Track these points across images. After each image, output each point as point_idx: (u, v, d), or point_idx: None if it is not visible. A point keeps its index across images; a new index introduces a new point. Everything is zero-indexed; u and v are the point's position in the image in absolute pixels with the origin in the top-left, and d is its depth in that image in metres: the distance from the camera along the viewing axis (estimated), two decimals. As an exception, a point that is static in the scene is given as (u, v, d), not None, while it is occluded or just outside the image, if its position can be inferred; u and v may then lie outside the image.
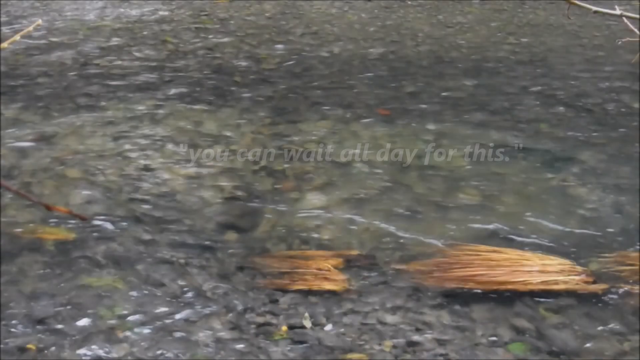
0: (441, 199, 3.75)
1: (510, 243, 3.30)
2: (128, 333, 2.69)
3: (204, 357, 2.58)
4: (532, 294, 2.94)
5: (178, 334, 2.69)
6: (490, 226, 3.47)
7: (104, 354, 2.58)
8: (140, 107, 5.02)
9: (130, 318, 2.78)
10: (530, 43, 6.84)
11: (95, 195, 3.74)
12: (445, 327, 2.77)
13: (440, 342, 2.68)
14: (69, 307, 2.83)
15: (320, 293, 2.95)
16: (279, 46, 6.70)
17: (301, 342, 2.67)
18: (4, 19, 7.53)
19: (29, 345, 2.62)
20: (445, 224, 3.51)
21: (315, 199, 3.75)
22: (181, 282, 3.01)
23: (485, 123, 4.79)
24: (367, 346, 2.66)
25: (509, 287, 2.97)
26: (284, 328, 2.74)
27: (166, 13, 7.97)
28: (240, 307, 2.86)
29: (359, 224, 3.49)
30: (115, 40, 6.76)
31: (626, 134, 4.60)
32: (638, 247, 3.26)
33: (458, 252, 3.21)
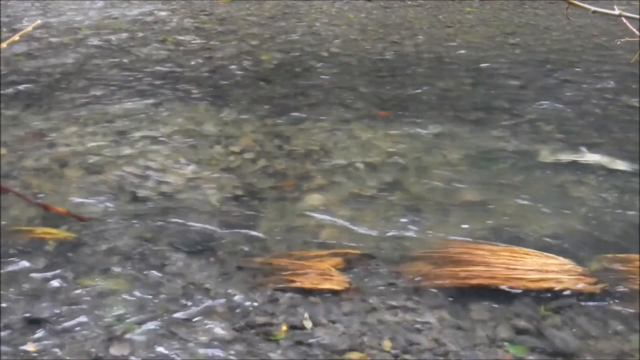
0: (441, 198, 3.75)
1: (510, 243, 3.30)
2: (128, 333, 2.69)
3: (204, 357, 2.58)
4: (532, 293, 2.94)
5: (178, 334, 2.69)
6: (490, 226, 3.47)
7: (103, 354, 2.58)
8: (140, 107, 5.02)
9: (130, 318, 2.78)
10: (530, 43, 6.84)
11: (95, 195, 3.75)
12: (445, 327, 2.77)
13: (440, 342, 2.68)
14: (68, 307, 2.83)
15: (320, 293, 2.95)
16: (279, 46, 6.71)
17: (301, 342, 2.67)
18: (4, 19, 7.53)
19: (29, 345, 2.62)
20: (444, 223, 3.51)
21: (315, 198, 3.75)
22: (181, 282, 3.01)
23: (484, 123, 4.80)
24: (367, 346, 2.66)
25: (509, 284, 2.98)
26: (284, 328, 2.74)
27: (166, 13, 7.97)
28: (240, 307, 2.86)
29: (359, 224, 3.49)
30: (115, 40, 6.76)
31: (626, 134, 4.60)
32: (638, 247, 3.26)
33: (457, 251, 3.21)
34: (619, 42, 5.97)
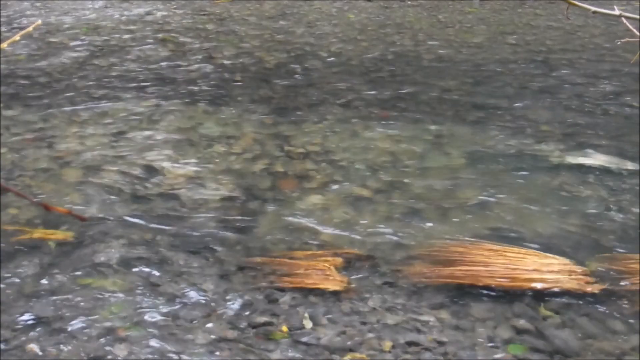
0: (441, 198, 3.75)
1: (510, 243, 3.29)
2: (128, 333, 2.69)
3: (204, 357, 2.58)
4: (532, 293, 2.94)
5: (178, 334, 2.69)
6: (490, 226, 3.47)
7: (103, 354, 2.58)
8: (140, 107, 5.02)
9: (129, 318, 2.78)
10: (530, 43, 6.84)
11: (95, 195, 3.75)
12: (445, 327, 2.77)
13: (440, 342, 2.68)
14: (68, 307, 2.83)
15: (320, 293, 2.95)
16: (279, 46, 6.71)
17: (301, 342, 2.67)
18: (4, 19, 7.53)
19: (29, 345, 2.62)
20: (444, 223, 3.51)
21: (315, 198, 3.75)
22: (181, 282, 3.01)
23: (485, 123, 4.80)
24: (367, 346, 2.65)
25: (509, 284, 2.97)
26: (284, 328, 2.74)
27: (166, 13, 7.97)
28: (240, 307, 2.86)
29: (359, 224, 3.49)
30: (114, 40, 6.76)
31: (626, 134, 4.60)
32: (638, 247, 3.26)
33: (457, 251, 3.21)
34: (619, 42, 5.97)
